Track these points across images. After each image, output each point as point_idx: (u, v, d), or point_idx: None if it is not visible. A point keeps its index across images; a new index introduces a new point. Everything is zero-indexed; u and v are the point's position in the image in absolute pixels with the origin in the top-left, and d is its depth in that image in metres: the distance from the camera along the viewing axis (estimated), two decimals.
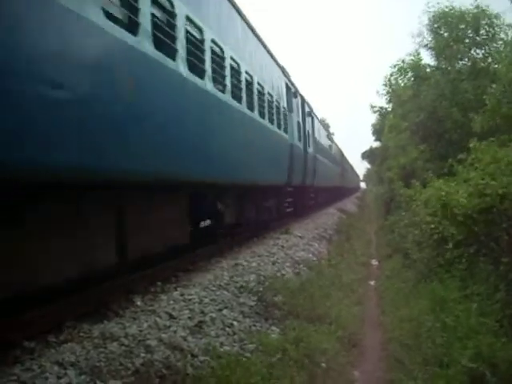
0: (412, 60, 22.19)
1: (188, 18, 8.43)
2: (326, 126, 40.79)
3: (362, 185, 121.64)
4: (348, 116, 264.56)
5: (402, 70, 22.48)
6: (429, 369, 7.23)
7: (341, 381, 7.08)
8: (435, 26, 21.50)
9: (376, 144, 52.26)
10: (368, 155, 64.71)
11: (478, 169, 11.08)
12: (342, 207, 38.39)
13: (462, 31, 20.83)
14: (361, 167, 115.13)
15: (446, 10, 21.24)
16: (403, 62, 22.30)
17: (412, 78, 22.58)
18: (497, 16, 20.61)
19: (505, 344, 7.35)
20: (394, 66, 22.69)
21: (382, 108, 30.21)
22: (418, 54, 22.18)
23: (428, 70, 22.10)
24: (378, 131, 45.22)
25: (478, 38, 20.82)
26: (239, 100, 11.64)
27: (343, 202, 47.17)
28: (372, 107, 30.93)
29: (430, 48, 21.90)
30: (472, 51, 21.30)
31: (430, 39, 21.91)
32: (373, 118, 39.57)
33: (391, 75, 23.06)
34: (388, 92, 25.34)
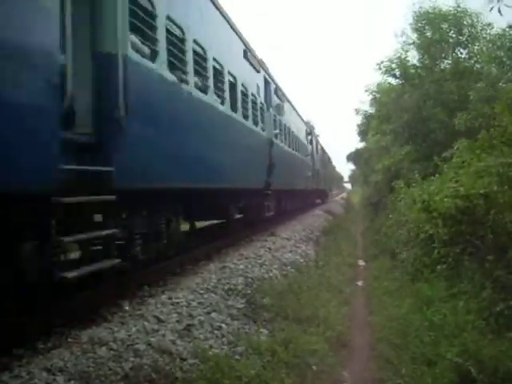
0: (399, 58, 22.10)
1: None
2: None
3: (348, 186, 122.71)
4: (333, 119, 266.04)
5: (388, 70, 22.37)
6: (417, 367, 7.28)
7: (330, 381, 7.10)
8: (419, 25, 21.62)
9: (361, 145, 52.45)
10: (353, 157, 64.71)
11: (463, 168, 11.19)
12: (328, 208, 38.43)
13: (445, 31, 20.97)
14: (345, 169, 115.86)
15: (429, 9, 21.41)
16: (391, 61, 22.18)
17: (398, 79, 22.60)
18: (477, 15, 20.83)
19: (491, 341, 7.42)
20: (378, 65, 22.53)
21: (366, 111, 30.33)
22: (406, 51, 22.17)
23: (413, 70, 22.09)
24: (362, 132, 45.40)
25: (461, 38, 20.97)
26: None
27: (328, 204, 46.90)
28: (356, 111, 30.97)
29: (416, 46, 21.95)
30: (456, 51, 21.46)
31: (414, 38, 22.01)
32: (358, 119, 39.63)
33: (381, 69, 22.69)
34: (372, 96, 25.49)
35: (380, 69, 22.45)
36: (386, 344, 8.61)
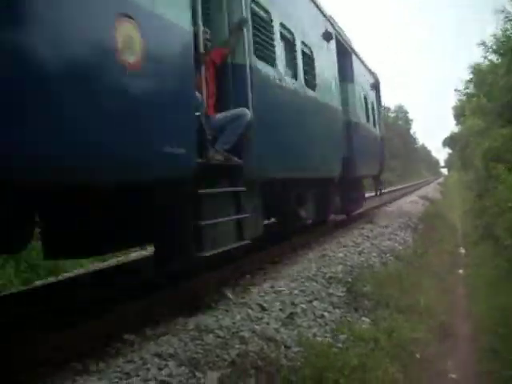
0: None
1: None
2: None
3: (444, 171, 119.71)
4: (429, 104, 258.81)
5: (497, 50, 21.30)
6: None
7: (435, 371, 7.00)
8: None
9: (457, 128, 50.92)
10: (449, 142, 62.86)
11: None
12: (425, 194, 37.63)
13: None
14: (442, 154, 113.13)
15: None
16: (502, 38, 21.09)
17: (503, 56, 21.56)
18: None
19: None
20: (483, 43, 21.47)
21: (466, 88, 29.00)
22: None
23: None
24: (459, 115, 44.14)
25: None
26: None
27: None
28: (456, 91, 29.62)
29: None
30: None
31: None
32: (453, 102, 38.53)
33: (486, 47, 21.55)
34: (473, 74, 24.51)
35: (485, 47, 21.41)
36: (490, 334, 8.39)
